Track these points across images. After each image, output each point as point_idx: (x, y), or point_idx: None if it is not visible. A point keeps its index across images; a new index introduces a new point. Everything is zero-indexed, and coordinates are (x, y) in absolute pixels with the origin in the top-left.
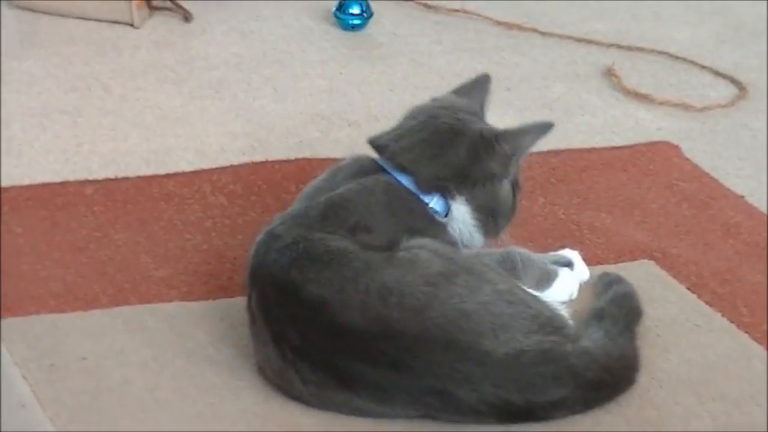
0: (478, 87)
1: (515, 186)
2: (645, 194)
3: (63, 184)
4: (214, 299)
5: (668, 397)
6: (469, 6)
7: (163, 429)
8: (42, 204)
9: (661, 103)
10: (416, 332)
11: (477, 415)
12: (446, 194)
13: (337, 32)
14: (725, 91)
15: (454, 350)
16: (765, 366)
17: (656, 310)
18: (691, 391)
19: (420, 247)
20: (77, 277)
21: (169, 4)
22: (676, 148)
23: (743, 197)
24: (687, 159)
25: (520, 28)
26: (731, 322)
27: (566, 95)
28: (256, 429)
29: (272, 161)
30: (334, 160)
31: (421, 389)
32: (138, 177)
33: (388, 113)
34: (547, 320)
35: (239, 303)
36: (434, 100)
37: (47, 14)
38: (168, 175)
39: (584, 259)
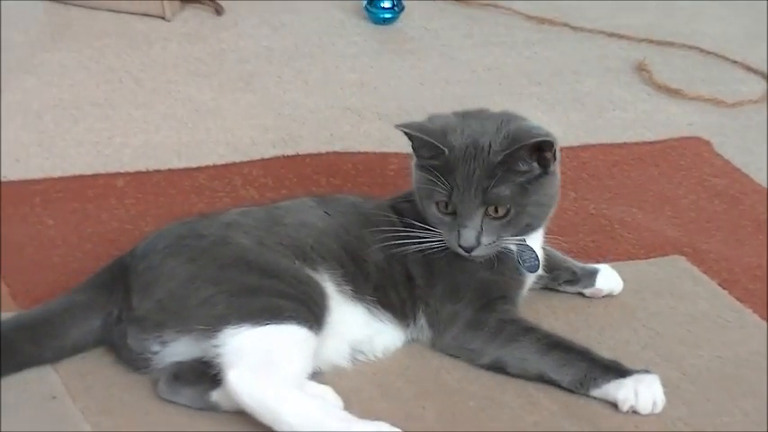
0: None
1: None
2: (676, 190)
3: (94, 176)
4: None
5: (699, 393)
6: (501, 1)
7: (191, 421)
8: (74, 196)
9: (692, 99)
10: None
11: None
12: None
13: (368, 26)
14: (756, 86)
15: None
16: None
17: (686, 306)
18: (721, 387)
19: None
20: None
21: None
22: (707, 143)
23: None
24: (718, 155)
25: (551, 22)
26: (762, 318)
27: (597, 90)
28: None
29: (303, 155)
30: (365, 154)
31: None
32: (170, 170)
33: (418, 107)
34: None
35: None
36: None
37: (79, 7)
38: (199, 168)
39: (615, 254)
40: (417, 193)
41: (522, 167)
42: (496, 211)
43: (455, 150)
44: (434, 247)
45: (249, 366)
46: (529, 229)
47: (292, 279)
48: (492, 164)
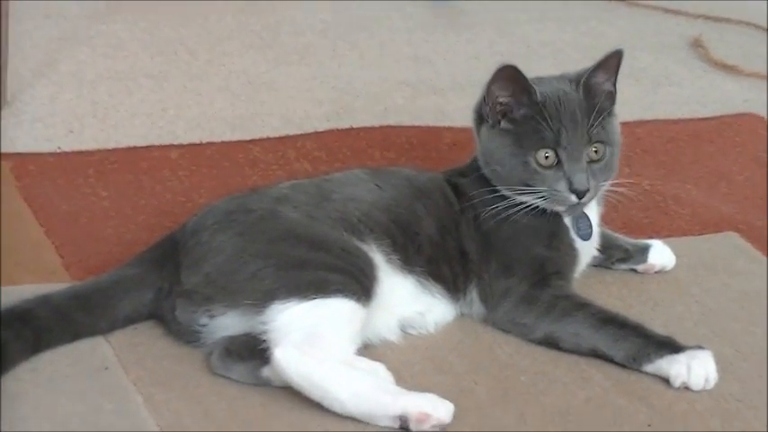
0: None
1: None
2: (731, 166)
3: (148, 148)
4: None
5: (752, 370)
6: None
7: (243, 394)
8: (128, 168)
9: (748, 75)
10: None
11: None
12: None
13: (424, 0)
14: None
15: None
16: None
17: (740, 283)
18: None
19: None
20: None
21: None
22: (763, 119)
23: None
24: None
25: None
26: None
27: (652, 66)
28: None
29: (357, 128)
30: (419, 128)
31: None
32: (223, 142)
33: (473, 81)
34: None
35: None
36: None
37: None
38: (253, 141)
39: (669, 230)
40: (501, 155)
41: (599, 103)
42: (596, 153)
43: (549, 96)
44: (505, 213)
45: (296, 343)
46: (613, 172)
47: (340, 251)
48: (582, 101)
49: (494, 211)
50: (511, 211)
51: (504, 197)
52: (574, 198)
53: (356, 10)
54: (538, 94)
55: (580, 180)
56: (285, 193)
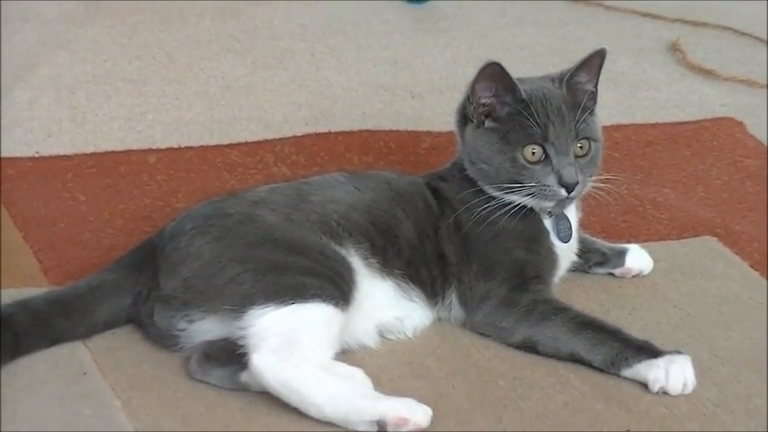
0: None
1: None
2: (708, 170)
3: (126, 152)
4: None
5: (729, 374)
6: None
7: (222, 399)
8: (106, 172)
9: (726, 79)
10: None
11: None
12: None
13: (402, 4)
14: None
15: None
16: None
17: (718, 287)
18: (752, 368)
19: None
20: None
21: None
22: (740, 124)
23: None
24: (751, 136)
25: (585, 1)
26: None
27: (630, 70)
28: None
29: (335, 132)
30: (397, 132)
31: None
32: (202, 147)
33: (451, 86)
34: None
35: None
36: None
37: None
38: (231, 145)
39: (647, 234)
40: (488, 153)
41: (583, 101)
42: (581, 148)
43: (534, 93)
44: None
45: (273, 349)
46: (598, 168)
47: (319, 255)
48: (567, 98)
49: (475, 214)
50: (496, 213)
51: (489, 198)
52: (563, 192)
53: (334, 14)
54: (522, 91)
55: (569, 173)
56: (263, 196)
